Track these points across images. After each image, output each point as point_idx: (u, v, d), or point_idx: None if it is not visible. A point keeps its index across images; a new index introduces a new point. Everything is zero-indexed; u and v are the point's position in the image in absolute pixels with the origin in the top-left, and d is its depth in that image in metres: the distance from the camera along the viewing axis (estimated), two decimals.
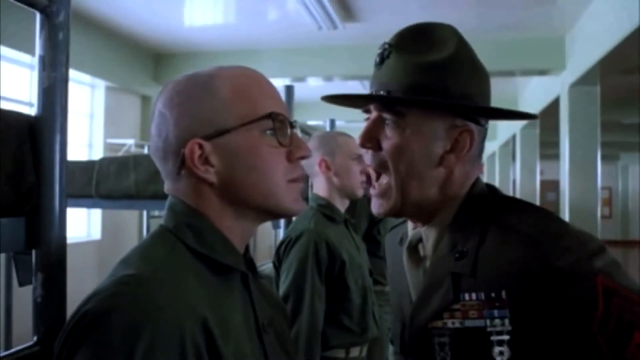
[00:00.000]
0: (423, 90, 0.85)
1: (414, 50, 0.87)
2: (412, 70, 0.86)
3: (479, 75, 0.89)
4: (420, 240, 0.93)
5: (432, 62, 0.86)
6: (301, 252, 1.83)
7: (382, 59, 0.90)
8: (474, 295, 0.82)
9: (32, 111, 1.16)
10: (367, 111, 0.93)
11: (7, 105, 1.23)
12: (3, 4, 3.44)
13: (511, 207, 0.89)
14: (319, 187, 2.00)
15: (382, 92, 0.88)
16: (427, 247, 0.92)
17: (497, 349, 0.79)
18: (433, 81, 0.85)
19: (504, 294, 0.79)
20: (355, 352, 1.92)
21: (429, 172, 0.88)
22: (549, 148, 9.84)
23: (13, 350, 1.09)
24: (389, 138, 0.88)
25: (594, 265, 0.76)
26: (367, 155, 0.92)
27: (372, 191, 0.93)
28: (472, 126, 0.88)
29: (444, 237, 0.89)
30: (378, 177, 0.92)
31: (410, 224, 0.98)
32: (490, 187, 0.94)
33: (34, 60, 1.14)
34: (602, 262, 0.77)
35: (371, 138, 0.90)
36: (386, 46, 0.90)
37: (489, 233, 0.84)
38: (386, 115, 0.88)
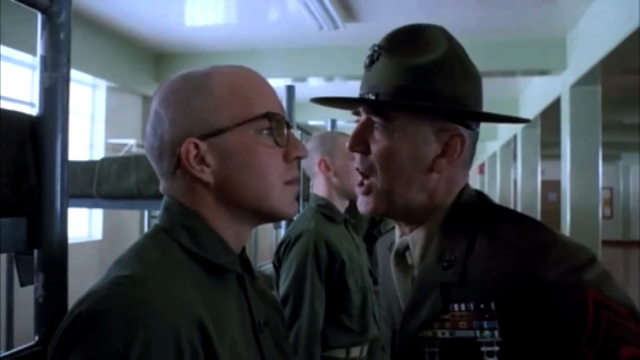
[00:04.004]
0: (412, 93, 0.84)
1: (404, 52, 0.86)
2: (401, 73, 0.85)
3: (469, 78, 0.88)
4: (407, 247, 0.92)
5: (422, 64, 0.84)
6: (301, 252, 1.83)
7: (372, 61, 0.89)
8: (463, 306, 0.81)
9: (33, 111, 1.16)
10: (357, 113, 0.92)
11: (8, 106, 1.23)
12: (4, 4, 3.44)
13: (500, 216, 0.87)
14: (319, 187, 2.01)
15: (370, 95, 0.87)
16: (414, 255, 0.90)
17: None
18: (422, 84, 0.84)
19: (493, 305, 0.78)
20: (355, 352, 1.92)
21: (419, 177, 0.87)
22: (550, 148, 9.83)
23: (14, 350, 1.09)
24: (378, 141, 0.87)
25: (583, 278, 0.75)
26: (356, 159, 0.91)
27: (357, 189, 0.92)
28: (463, 130, 0.87)
29: (432, 245, 0.87)
30: (366, 178, 0.90)
31: (397, 231, 0.96)
32: (479, 194, 0.92)
33: (35, 61, 1.14)
34: (592, 274, 0.76)
35: (360, 142, 0.89)
36: (375, 48, 0.89)
37: (477, 242, 0.83)
38: (375, 119, 0.87)
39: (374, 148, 0.87)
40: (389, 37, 0.89)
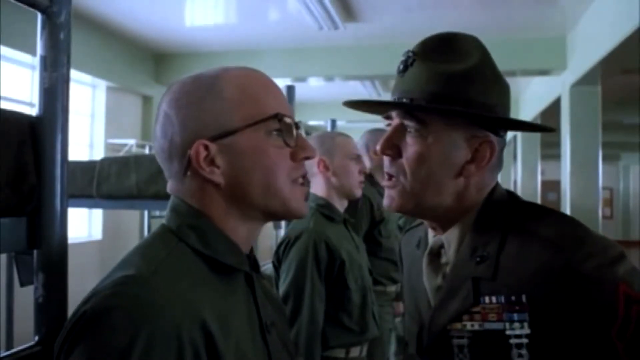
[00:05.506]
0: (446, 99, 0.86)
1: (438, 59, 0.88)
2: (436, 79, 0.87)
3: (500, 87, 0.90)
4: (441, 247, 0.94)
5: (456, 72, 0.87)
6: (301, 252, 1.83)
7: (406, 66, 0.90)
8: (494, 299, 0.83)
9: (33, 111, 1.16)
10: (388, 117, 0.94)
11: (8, 106, 1.24)
12: (4, 4, 3.45)
13: (532, 212, 0.89)
14: (318, 187, 2.01)
15: (404, 100, 0.89)
16: (449, 254, 0.92)
17: (515, 352, 0.80)
18: (456, 91, 0.86)
19: (524, 297, 0.81)
20: (355, 352, 1.92)
21: (448, 181, 0.89)
22: (550, 148, 9.84)
23: (14, 350, 1.09)
24: (410, 146, 0.89)
25: (616, 272, 0.77)
26: (385, 162, 0.93)
27: (385, 182, 0.94)
28: (492, 137, 0.89)
29: (464, 242, 0.90)
30: (393, 180, 0.92)
31: (430, 232, 0.98)
32: (510, 193, 0.94)
33: (35, 61, 1.15)
34: (624, 269, 0.78)
35: (392, 145, 0.91)
36: (410, 54, 0.90)
37: (509, 238, 0.85)
38: (408, 123, 0.89)
39: (407, 152, 0.89)
40: (423, 43, 0.91)
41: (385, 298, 2.68)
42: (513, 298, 0.81)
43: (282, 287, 1.84)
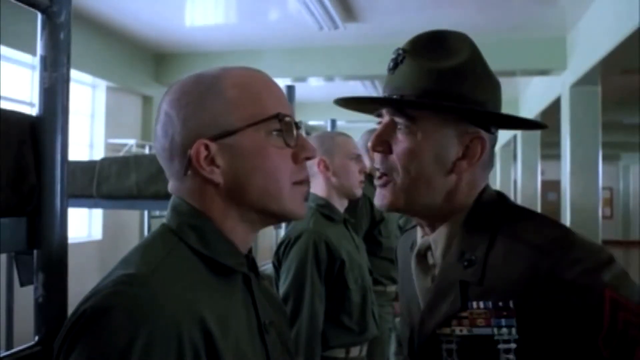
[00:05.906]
0: (436, 95, 0.86)
1: (428, 56, 0.88)
2: (426, 76, 0.87)
3: (490, 83, 0.90)
4: (428, 247, 0.94)
5: (446, 68, 0.86)
6: (301, 252, 1.83)
7: (396, 64, 0.90)
8: (481, 304, 0.83)
9: (33, 111, 1.16)
10: (380, 115, 0.93)
11: (8, 106, 1.24)
12: (4, 4, 3.45)
13: (520, 216, 0.89)
14: (318, 187, 2.00)
15: (395, 96, 0.89)
16: (435, 255, 0.92)
17: (504, 357, 0.80)
18: (446, 87, 0.86)
19: (511, 303, 0.80)
20: (355, 351, 1.92)
21: (439, 178, 0.88)
22: (550, 148, 9.83)
23: (14, 350, 1.09)
24: (401, 142, 0.88)
25: (602, 278, 0.76)
26: (377, 159, 0.93)
27: (376, 182, 0.93)
28: (483, 133, 0.89)
29: (452, 245, 0.89)
30: (385, 178, 0.91)
31: (419, 232, 0.98)
32: (500, 195, 0.94)
33: (35, 61, 1.15)
34: (610, 274, 0.77)
35: (383, 142, 0.90)
36: (400, 51, 0.90)
37: (497, 242, 0.85)
38: (398, 119, 0.89)
39: (397, 149, 0.89)
40: (413, 41, 0.91)
41: (385, 298, 2.68)
42: (500, 303, 0.81)
43: (282, 288, 1.84)
